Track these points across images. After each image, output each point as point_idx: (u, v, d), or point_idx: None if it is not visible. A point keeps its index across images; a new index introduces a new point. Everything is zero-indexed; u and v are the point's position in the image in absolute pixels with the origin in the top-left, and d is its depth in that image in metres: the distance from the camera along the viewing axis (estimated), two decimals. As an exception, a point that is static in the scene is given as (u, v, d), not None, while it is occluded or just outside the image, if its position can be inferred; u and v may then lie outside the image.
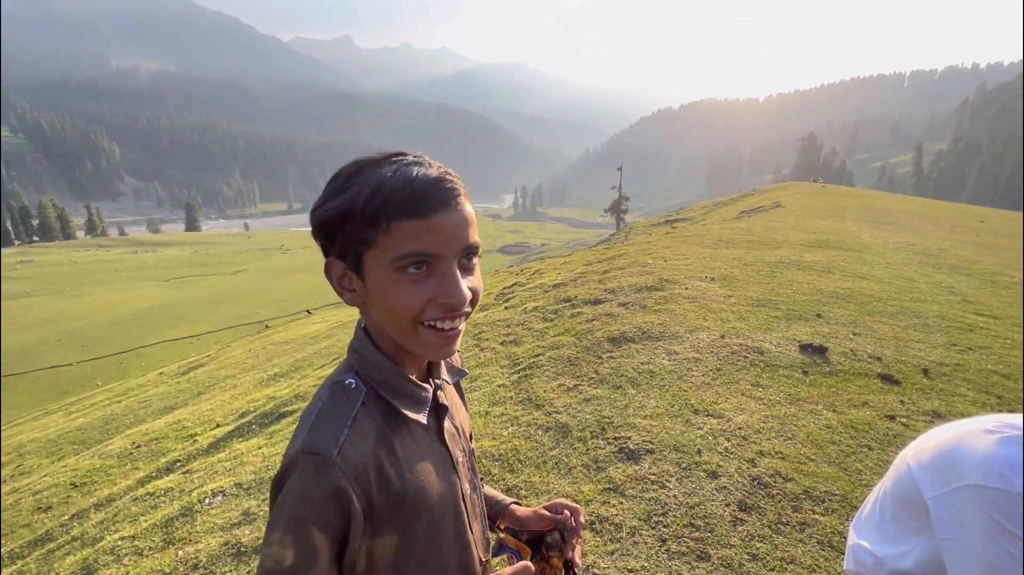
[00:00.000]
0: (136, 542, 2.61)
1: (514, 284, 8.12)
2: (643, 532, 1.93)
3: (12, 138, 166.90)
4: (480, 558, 0.70)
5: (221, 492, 2.90)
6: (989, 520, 0.82)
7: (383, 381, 0.61)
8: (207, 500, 2.85)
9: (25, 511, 4.51)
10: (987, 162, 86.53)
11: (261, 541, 0.55)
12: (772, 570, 1.74)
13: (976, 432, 0.91)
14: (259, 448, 3.57)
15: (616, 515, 2.00)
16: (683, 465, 2.30)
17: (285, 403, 4.68)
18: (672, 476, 2.22)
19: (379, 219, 0.53)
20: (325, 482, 0.52)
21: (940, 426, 1.01)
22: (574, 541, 0.79)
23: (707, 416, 2.73)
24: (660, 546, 1.86)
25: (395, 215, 0.53)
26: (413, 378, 0.63)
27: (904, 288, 5.56)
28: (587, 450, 2.52)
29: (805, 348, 3.59)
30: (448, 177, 0.57)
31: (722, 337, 3.82)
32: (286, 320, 23.26)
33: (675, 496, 2.08)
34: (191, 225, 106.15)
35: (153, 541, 2.57)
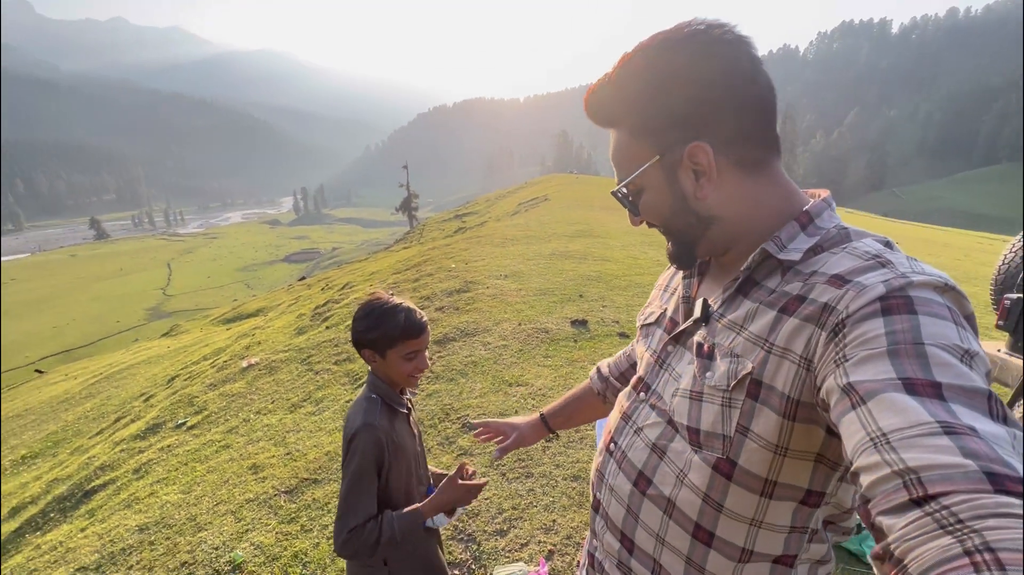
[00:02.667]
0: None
1: (328, 302, 8.19)
2: (490, 473, 2.77)
3: None
4: (420, 486, 1.38)
5: (63, 581, 2.72)
6: None
7: (388, 395, 1.26)
8: (47, 593, 2.64)
9: None
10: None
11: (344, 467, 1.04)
12: (568, 471, 2.76)
13: None
14: (83, 530, 3.27)
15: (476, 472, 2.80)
16: (508, 424, 3.22)
17: (88, 479, 4.15)
18: (502, 433, 3.12)
19: (400, 339, 1.22)
20: (373, 435, 1.17)
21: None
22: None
23: (518, 386, 3.73)
24: (502, 478, 2.73)
25: (408, 338, 1.22)
26: (399, 395, 1.30)
27: (632, 266, 7.70)
28: (438, 432, 3.25)
29: (574, 323, 4.95)
30: (424, 318, 1.27)
31: (519, 324, 4.95)
32: (4, 385, 17.58)
33: (506, 446, 2.98)
34: None
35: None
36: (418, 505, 1.23)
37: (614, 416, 0.86)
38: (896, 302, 0.51)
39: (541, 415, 1.23)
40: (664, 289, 0.92)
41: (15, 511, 4.47)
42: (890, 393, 0.45)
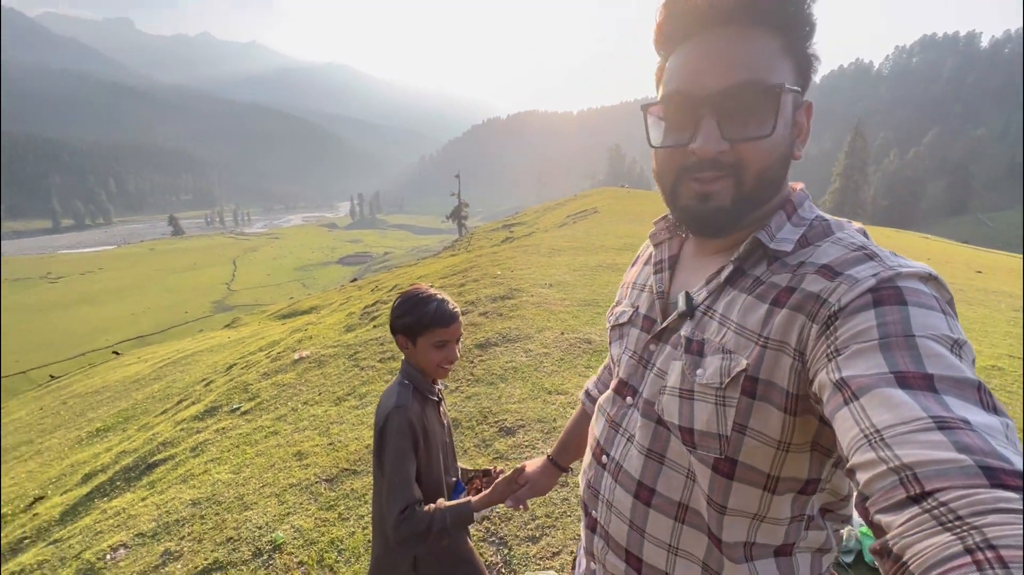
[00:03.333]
0: (36, 611, 2.55)
1: (376, 302, 8.45)
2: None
3: None
4: (448, 476, 1.38)
5: (122, 546, 2.92)
6: None
7: (419, 383, 1.29)
8: (108, 556, 2.85)
9: None
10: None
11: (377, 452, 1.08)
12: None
13: None
14: (144, 500, 3.51)
15: (504, 472, 2.79)
16: (545, 431, 3.19)
17: (151, 453, 4.45)
18: (539, 439, 3.09)
19: (430, 327, 1.24)
20: (406, 416, 1.19)
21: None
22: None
23: (558, 394, 3.69)
24: (536, 486, 2.71)
25: (437, 326, 1.24)
26: (431, 383, 1.32)
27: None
28: (475, 434, 3.26)
29: (619, 335, 4.85)
30: (455, 308, 1.28)
31: (562, 334, 4.91)
32: (81, 365, 19.29)
33: (542, 452, 2.95)
34: None
35: (61, 604, 2.55)
36: (469, 498, 1.23)
37: (600, 425, 0.81)
38: (887, 293, 0.51)
39: (549, 457, 1.19)
40: (632, 286, 0.86)
41: (87, 477, 4.86)
42: (883, 388, 0.44)
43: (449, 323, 1.26)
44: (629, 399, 0.75)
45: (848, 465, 0.44)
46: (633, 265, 0.91)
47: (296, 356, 5.79)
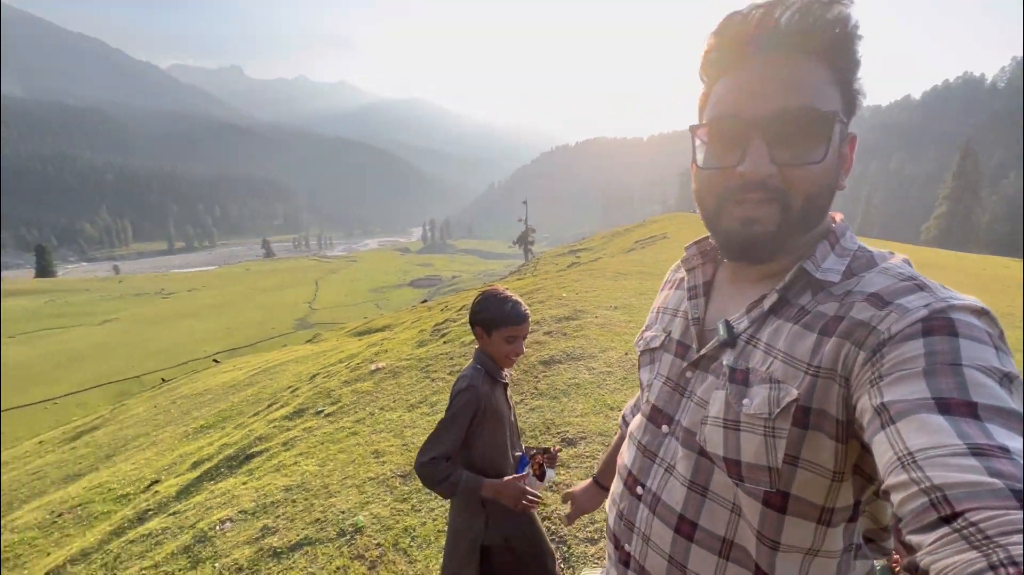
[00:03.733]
0: (160, 569, 2.99)
1: (446, 320, 8.88)
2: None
3: None
4: (512, 453, 1.58)
5: (228, 519, 3.34)
6: None
7: (490, 368, 1.50)
8: (218, 527, 3.28)
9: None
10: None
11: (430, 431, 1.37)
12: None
13: None
14: (244, 484, 3.97)
15: (566, 479, 2.91)
16: (605, 444, 3.28)
17: (248, 447, 5.00)
18: (599, 451, 3.19)
19: (504, 323, 1.46)
20: (475, 395, 1.41)
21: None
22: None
23: (619, 411, 3.76)
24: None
25: (510, 323, 1.46)
26: (499, 370, 1.54)
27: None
28: (538, 443, 3.41)
29: (684, 358, 4.83)
30: (526, 310, 1.49)
31: (625, 354, 4.96)
32: (186, 371, 21.54)
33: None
34: (43, 271, 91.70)
35: (180, 564, 2.97)
36: (484, 479, 1.42)
37: (631, 453, 0.78)
38: (938, 323, 0.50)
39: (594, 479, 1.22)
40: (663, 311, 0.84)
41: (196, 464, 5.51)
42: (922, 413, 0.44)
43: (521, 322, 1.47)
44: (665, 428, 0.73)
45: (883, 487, 0.45)
46: (663, 289, 0.90)
47: (373, 367, 6.25)
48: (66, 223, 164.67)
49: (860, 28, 0.60)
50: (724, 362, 0.66)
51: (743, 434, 0.61)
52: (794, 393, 0.58)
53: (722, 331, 0.67)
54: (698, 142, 0.66)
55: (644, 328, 0.88)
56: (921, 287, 0.55)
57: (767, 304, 0.64)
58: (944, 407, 0.44)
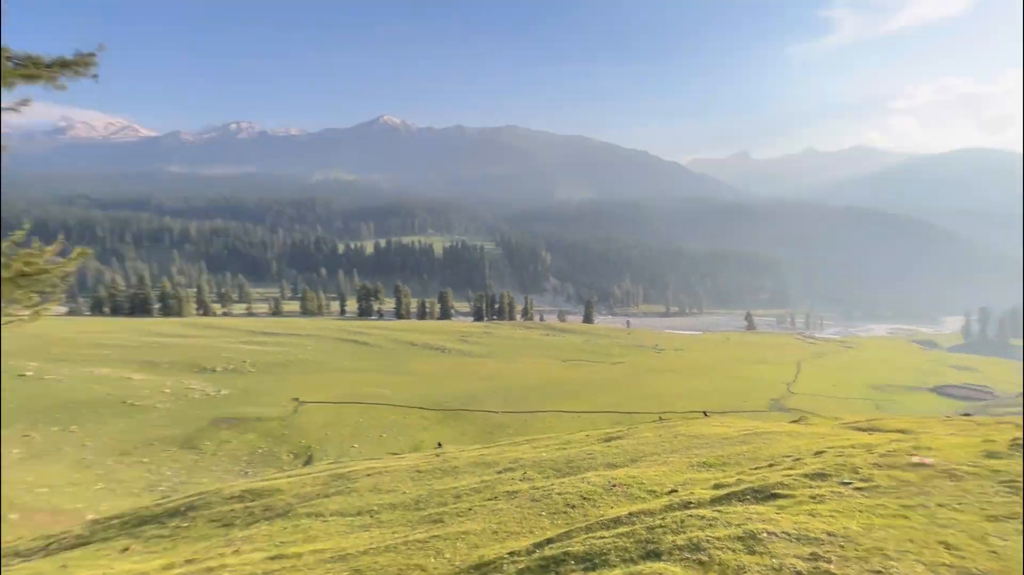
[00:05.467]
0: (715, 545, 3.78)
1: None
2: None
3: (494, 249, 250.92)
4: None
5: (773, 533, 3.81)
6: None
7: None
8: (764, 535, 3.79)
9: (559, 504, 6.85)
10: None
11: None
12: None
13: None
14: (778, 512, 4.36)
15: None
16: None
17: (768, 487, 5.40)
18: None
19: None
20: None
21: None
22: None
23: None
24: None
25: None
26: None
27: None
28: None
29: None
30: None
31: None
32: (676, 416, 24.78)
33: None
34: (587, 318, 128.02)
35: (735, 547, 3.67)
36: None
37: None
38: None
39: None
40: None
41: (718, 486, 6.41)
42: None
43: None
44: None
45: None
46: None
47: (915, 460, 5.41)
48: (604, 285, 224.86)
49: None
50: None
51: None
52: None
53: None
54: None
55: None
56: None
57: None
58: None
